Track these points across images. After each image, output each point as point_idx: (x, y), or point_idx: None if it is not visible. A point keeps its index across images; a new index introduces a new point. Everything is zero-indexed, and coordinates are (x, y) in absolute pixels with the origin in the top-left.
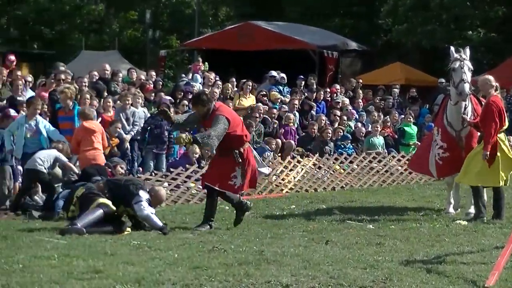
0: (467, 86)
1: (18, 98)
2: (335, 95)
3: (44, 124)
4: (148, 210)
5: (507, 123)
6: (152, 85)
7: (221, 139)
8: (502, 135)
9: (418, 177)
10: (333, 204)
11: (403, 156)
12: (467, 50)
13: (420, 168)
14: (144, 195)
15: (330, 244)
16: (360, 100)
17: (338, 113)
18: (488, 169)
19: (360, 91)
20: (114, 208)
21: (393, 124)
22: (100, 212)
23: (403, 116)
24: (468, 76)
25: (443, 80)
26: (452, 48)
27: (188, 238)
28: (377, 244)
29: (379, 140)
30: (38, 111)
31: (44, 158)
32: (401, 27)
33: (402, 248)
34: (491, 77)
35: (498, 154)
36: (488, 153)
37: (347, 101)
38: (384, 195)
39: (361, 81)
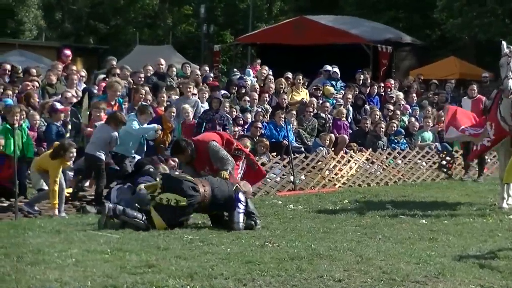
0: (510, 83)
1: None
2: (389, 90)
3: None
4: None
5: None
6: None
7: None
8: None
9: (472, 172)
10: (386, 198)
11: (456, 151)
12: None
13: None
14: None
15: (383, 239)
16: (414, 95)
17: (392, 107)
18: None
19: (415, 86)
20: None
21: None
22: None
23: None
24: None
25: (486, 75)
26: (503, 43)
27: (241, 234)
28: (430, 239)
29: (429, 135)
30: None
31: (101, 142)
32: (456, 21)
33: (455, 243)
34: None
35: None
36: None
37: (401, 95)
38: (437, 189)
39: (422, 76)
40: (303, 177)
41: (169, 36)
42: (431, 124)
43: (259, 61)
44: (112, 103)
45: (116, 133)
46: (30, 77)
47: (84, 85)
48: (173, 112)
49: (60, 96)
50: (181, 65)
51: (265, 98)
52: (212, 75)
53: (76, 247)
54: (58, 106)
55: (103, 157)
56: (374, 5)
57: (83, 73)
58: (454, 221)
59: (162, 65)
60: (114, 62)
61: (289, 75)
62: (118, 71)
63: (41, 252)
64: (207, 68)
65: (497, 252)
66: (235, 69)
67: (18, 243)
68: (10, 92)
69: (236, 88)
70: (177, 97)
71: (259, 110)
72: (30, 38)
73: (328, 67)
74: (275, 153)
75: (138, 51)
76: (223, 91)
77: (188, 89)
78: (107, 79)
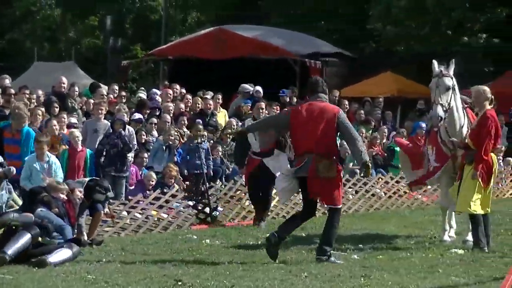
0: (438, 109)
1: None
2: None
3: None
4: None
5: (502, 144)
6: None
7: None
8: (493, 156)
9: (410, 201)
10: (313, 231)
11: (391, 178)
12: (452, 64)
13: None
14: None
15: (310, 277)
16: None
17: None
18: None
19: (345, 104)
20: None
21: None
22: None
23: (394, 132)
24: (443, 96)
25: (422, 105)
26: (434, 62)
27: (151, 272)
28: (363, 277)
29: None
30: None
31: None
32: (392, 31)
33: (391, 280)
34: (486, 88)
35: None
36: (478, 173)
37: None
38: (371, 221)
39: (337, 94)
40: (220, 208)
41: (71, 51)
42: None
43: (166, 83)
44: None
45: None
46: None
47: None
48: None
49: None
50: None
51: (183, 122)
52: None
53: None
54: None
55: None
56: (303, 16)
57: None
58: (390, 256)
59: (63, 83)
60: (8, 81)
61: (209, 94)
62: (12, 90)
63: None
64: (116, 87)
65: None
66: (142, 88)
67: None
68: None
69: (149, 110)
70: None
71: (176, 134)
72: None
73: (247, 86)
74: (187, 183)
75: (37, 68)
76: (137, 115)
77: (100, 111)
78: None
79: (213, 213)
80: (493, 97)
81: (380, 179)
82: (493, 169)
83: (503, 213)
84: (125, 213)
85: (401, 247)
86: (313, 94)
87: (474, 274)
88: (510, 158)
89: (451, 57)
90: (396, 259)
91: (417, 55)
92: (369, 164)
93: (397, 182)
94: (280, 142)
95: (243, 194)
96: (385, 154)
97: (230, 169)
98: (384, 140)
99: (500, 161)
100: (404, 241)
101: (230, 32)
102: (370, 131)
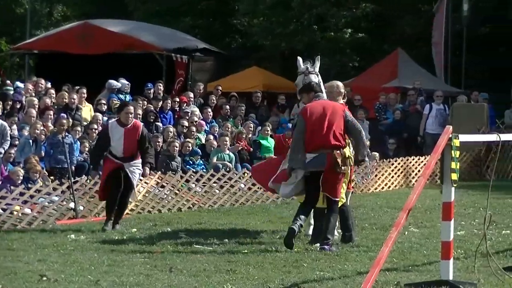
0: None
1: None
2: (184, 104)
3: None
4: None
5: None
6: None
7: None
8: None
9: (275, 196)
10: (179, 226)
11: None
12: (317, 61)
13: (260, 179)
14: None
15: (175, 272)
16: (210, 110)
17: (186, 124)
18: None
19: (213, 99)
20: None
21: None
22: None
23: (260, 127)
24: None
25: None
26: (299, 59)
27: (15, 267)
28: (228, 271)
29: (227, 155)
30: None
31: None
32: (258, 27)
33: (256, 275)
34: (339, 83)
35: None
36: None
37: (197, 111)
38: (237, 216)
39: (220, 88)
40: (85, 203)
41: None
42: (228, 143)
43: (35, 78)
44: None
45: None
46: None
47: None
48: None
49: None
50: None
51: (49, 116)
52: None
53: None
54: None
55: None
56: (169, 10)
57: None
58: (255, 250)
59: None
60: None
61: (74, 89)
62: None
63: None
64: None
65: (301, 284)
66: (8, 81)
67: None
68: None
69: (11, 103)
70: None
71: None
72: None
73: (113, 81)
74: (52, 177)
75: None
76: None
77: None
78: None
79: (78, 208)
80: (346, 92)
81: (245, 174)
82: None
83: (368, 207)
84: None
85: (266, 241)
86: (312, 94)
87: (339, 268)
88: (375, 153)
89: (316, 53)
90: (262, 253)
91: (282, 51)
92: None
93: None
94: None
95: None
96: (251, 149)
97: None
98: (250, 135)
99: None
100: (270, 236)
101: (96, 26)
102: (238, 126)
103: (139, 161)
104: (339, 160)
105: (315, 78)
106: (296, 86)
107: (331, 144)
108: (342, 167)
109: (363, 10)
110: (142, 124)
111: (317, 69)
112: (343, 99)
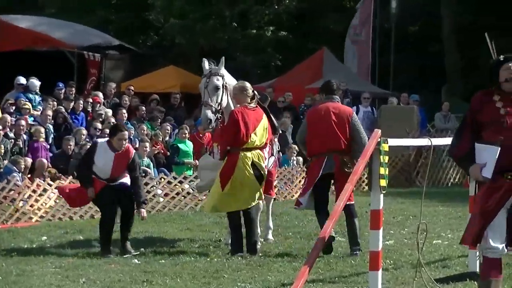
0: (207, 113)
1: None
2: (97, 105)
3: None
4: None
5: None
6: None
7: None
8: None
9: (193, 202)
10: (92, 234)
11: (174, 178)
12: (222, 62)
13: None
14: None
15: (88, 283)
16: (125, 111)
17: (100, 126)
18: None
19: (127, 99)
20: None
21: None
22: None
23: (177, 130)
24: (212, 98)
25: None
26: (204, 61)
27: None
28: (144, 282)
29: (145, 160)
30: None
31: None
32: (175, 24)
33: (174, 286)
34: (247, 84)
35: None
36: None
37: (110, 112)
38: (153, 223)
39: (132, 88)
40: None
41: None
42: (148, 148)
43: None
44: None
45: None
46: None
47: None
48: None
49: None
50: None
51: None
52: None
53: None
54: None
55: None
56: (80, 5)
57: None
58: (173, 260)
59: None
60: None
61: None
62: None
63: None
64: None
65: None
66: None
67: None
68: None
69: None
70: None
71: None
72: None
73: (22, 79)
74: None
75: None
76: None
77: None
78: None
79: None
80: (255, 93)
81: (162, 179)
82: (235, 168)
83: (292, 215)
84: None
85: (184, 250)
86: (328, 95)
87: (261, 279)
88: (300, 158)
89: (238, 51)
90: (180, 263)
91: (202, 49)
92: None
93: (181, 182)
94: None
95: (17, 195)
96: (168, 153)
97: (2, 168)
98: (167, 138)
99: (293, 160)
100: (188, 245)
101: (4, 22)
102: (154, 129)
103: (127, 178)
104: (346, 160)
105: (218, 81)
106: (199, 90)
107: (338, 148)
108: (351, 168)
109: (286, 7)
110: (134, 151)
111: (222, 70)
112: (252, 100)
